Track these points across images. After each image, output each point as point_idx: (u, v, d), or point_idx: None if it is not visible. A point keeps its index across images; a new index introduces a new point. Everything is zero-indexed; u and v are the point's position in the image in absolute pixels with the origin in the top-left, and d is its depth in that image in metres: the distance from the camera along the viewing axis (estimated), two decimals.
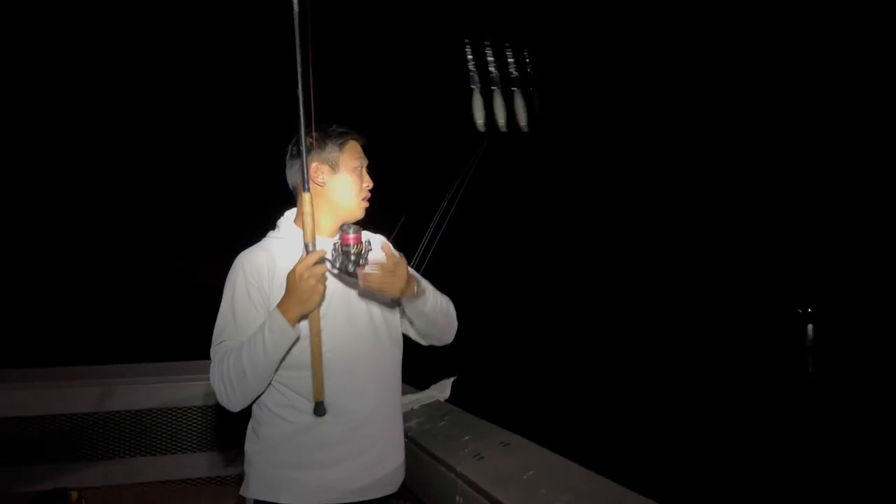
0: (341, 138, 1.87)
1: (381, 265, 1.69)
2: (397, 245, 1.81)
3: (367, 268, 1.68)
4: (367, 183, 1.90)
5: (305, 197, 1.68)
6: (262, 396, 1.73)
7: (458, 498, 2.24)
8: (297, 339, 1.67)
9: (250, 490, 1.76)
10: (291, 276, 1.64)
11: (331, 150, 1.85)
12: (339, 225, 1.81)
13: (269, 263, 1.74)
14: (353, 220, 1.84)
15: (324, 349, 1.68)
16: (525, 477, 2.06)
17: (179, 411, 3.60)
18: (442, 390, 3.16)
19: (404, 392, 3.15)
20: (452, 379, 3.17)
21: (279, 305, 1.65)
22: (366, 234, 1.76)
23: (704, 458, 7.11)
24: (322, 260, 1.66)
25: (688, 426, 8.65)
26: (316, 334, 1.67)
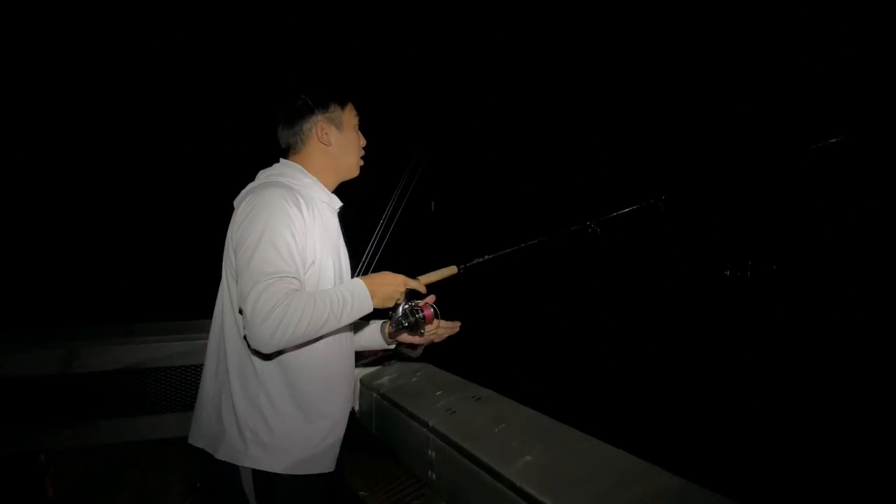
0: (342, 97, 1.86)
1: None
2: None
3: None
4: (363, 141, 1.91)
5: (454, 269, 2.02)
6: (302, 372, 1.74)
7: (430, 452, 2.26)
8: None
9: (293, 465, 1.73)
10: (393, 278, 1.82)
11: (334, 110, 1.85)
12: (336, 181, 1.88)
13: (305, 211, 1.71)
14: (351, 178, 1.92)
15: None
16: (497, 430, 2.08)
17: (147, 372, 3.55)
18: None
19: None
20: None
21: (365, 283, 1.73)
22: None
23: (671, 407, 7.31)
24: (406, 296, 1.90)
25: (656, 375, 8.87)
26: None
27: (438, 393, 2.51)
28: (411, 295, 1.95)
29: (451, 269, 2.02)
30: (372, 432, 2.87)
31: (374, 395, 2.82)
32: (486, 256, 2.04)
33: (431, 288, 2.01)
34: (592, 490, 1.61)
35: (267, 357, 1.68)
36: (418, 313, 1.95)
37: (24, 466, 3.07)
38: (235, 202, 1.78)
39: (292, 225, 1.64)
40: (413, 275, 1.93)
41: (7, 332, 3.87)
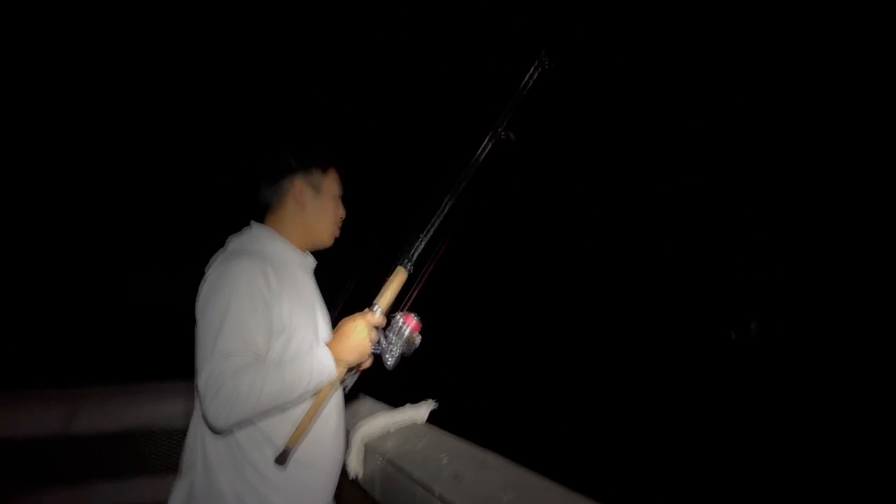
0: (326, 163, 1.85)
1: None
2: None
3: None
4: (343, 213, 1.88)
5: (401, 272, 1.73)
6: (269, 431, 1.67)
7: None
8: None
9: None
10: (352, 327, 1.67)
11: (315, 173, 1.83)
12: (308, 246, 1.83)
13: (274, 277, 1.67)
14: (322, 247, 1.86)
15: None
16: (505, 498, 2.03)
17: (148, 433, 3.50)
18: (418, 412, 3.09)
19: (379, 410, 3.10)
20: (431, 404, 3.07)
21: (330, 347, 1.65)
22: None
23: (688, 478, 7.12)
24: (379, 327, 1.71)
25: (668, 438, 8.69)
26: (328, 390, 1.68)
27: (444, 459, 2.46)
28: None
29: (400, 275, 1.75)
30: (376, 499, 2.80)
31: (380, 459, 2.76)
32: (421, 237, 1.74)
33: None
34: None
35: (238, 428, 1.64)
36: (403, 328, 1.72)
37: None
38: (206, 269, 1.74)
39: (255, 299, 1.60)
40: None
41: (5, 390, 3.83)
